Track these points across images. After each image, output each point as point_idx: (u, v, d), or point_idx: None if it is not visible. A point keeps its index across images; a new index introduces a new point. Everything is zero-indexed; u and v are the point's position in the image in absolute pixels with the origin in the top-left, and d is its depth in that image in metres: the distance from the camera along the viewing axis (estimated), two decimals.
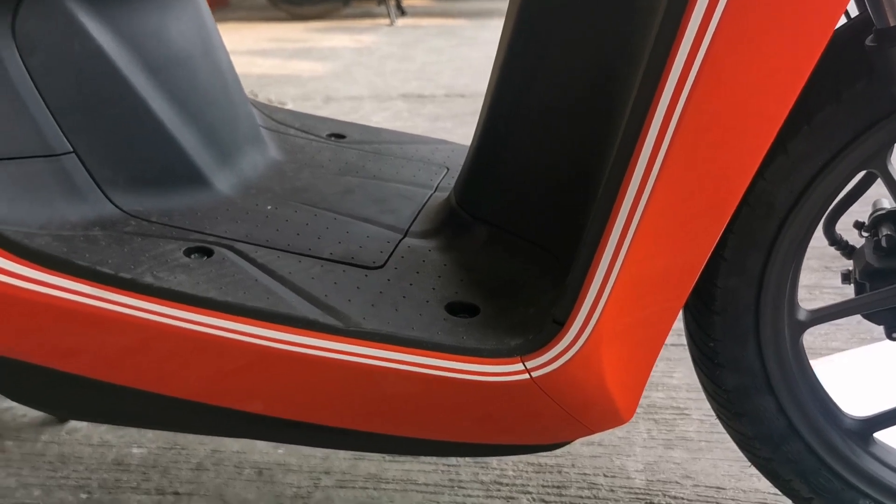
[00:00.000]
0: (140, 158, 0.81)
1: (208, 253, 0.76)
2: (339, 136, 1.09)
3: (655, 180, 0.59)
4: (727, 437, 1.16)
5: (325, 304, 0.71)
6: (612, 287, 0.62)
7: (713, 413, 1.21)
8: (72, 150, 0.77)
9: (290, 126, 1.09)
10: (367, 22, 4.74)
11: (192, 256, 0.76)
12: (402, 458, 1.16)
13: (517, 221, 0.78)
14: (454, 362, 0.67)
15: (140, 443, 1.22)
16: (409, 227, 0.85)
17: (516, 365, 0.67)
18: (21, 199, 0.74)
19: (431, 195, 0.93)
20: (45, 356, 0.74)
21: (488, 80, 0.84)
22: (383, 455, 1.17)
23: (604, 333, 0.64)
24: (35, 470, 1.17)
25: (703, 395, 1.26)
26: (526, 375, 0.67)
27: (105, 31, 0.79)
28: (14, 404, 1.32)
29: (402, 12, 4.88)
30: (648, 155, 0.58)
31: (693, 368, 1.31)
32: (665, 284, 0.64)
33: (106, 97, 0.79)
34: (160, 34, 0.85)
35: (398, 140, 1.10)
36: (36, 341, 0.73)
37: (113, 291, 0.70)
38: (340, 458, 1.17)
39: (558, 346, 0.65)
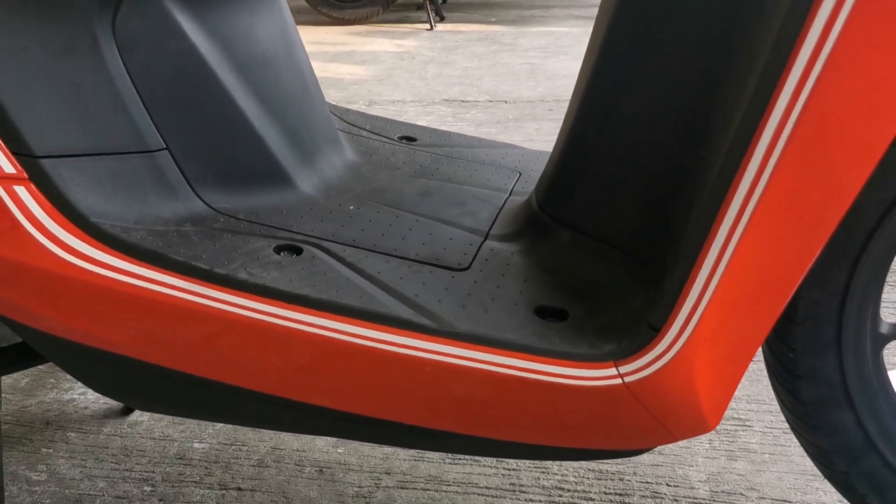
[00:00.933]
0: (228, 156, 0.83)
1: (297, 251, 0.77)
2: (410, 139, 1.10)
3: (764, 188, 0.59)
4: (791, 449, 1.15)
5: (417, 303, 0.71)
6: (712, 294, 0.62)
7: (775, 425, 1.21)
8: (165, 146, 0.79)
9: (362, 128, 1.10)
10: (406, 27, 4.76)
11: (282, 254, 0.77)
12: (463, 461, 1.16)
13: (603, 226, 0.79)
14: (547, 365, 0.67)
15: (201, 438, 1.23)
16: (490, 229, 0.86)
17: (609, 370, 0.67)
18: (117, 193, 0.76)
19: (507, 199, 0.94)
20: (135, 348, 0.75)
21: (575, 83, 0.84)
22: (443, 456, 1.17)
23: (699, 340, 0.64)
24: (99, 462, 1.19)
25: (763, 407, 1.25)
26: (619, 380, 0.67)
27: (199, 30, 0.81)
28: (76, 396, 1.34)
29: (441, 18, 4.90)
30: (759, 161, 0.58)
31: (753, 380, 1.31)
32: (764, 294, 0.63)
33: (198, 95, 0.81)
34: (249, 34, 0.86)
35: (468, 144, 1.11)
36: (128, 333, 0.75)
37: (207, 286, 0.71)
38: (400, 459, 1.17)
39: (653, 351, 0.65)
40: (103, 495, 1.11)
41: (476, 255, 0.81)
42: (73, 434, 1.25)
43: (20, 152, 0.72)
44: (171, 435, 1.24)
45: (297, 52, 0.94)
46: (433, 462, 1.16)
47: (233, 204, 0.82)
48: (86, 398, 1.34)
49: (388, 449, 1.20)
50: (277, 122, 0.87)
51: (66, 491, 1.12)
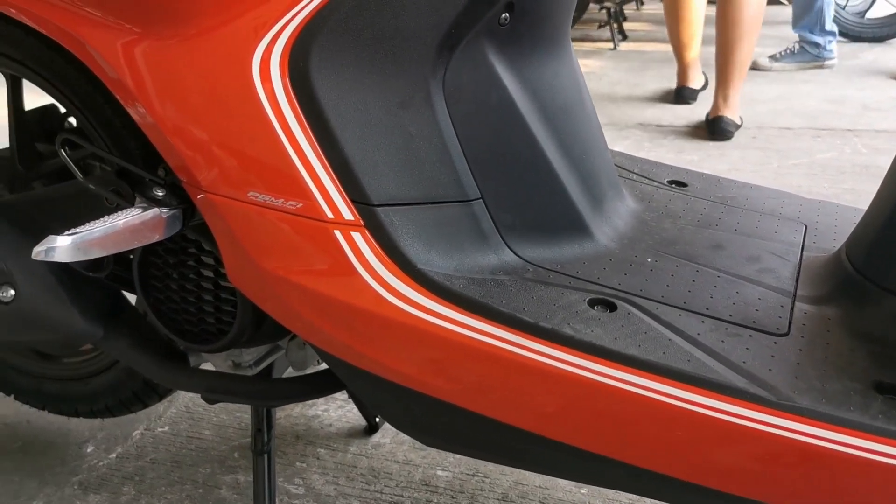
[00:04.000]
0: (535, 205, 0.84)
1: (611, 306, 0.77)
2: (681, 184, 1.08)
3: None
4: None
5: (748, 371, 0.69)
6: None
7: None
8: (480, 196, 0.81)
9: (631, 171, 1.10)
10: (589, 45, 4.73)
11: (596, 308, 0.77)
12: None
13: None
14: (892, 447, 0.64)
15: (443, 465, 1.26)
16: (796, 289, 0.83)
17: None
18: (438, 241, 0.78)
19: (801, 255, 0.90)
20: (447, 391, 0.78)
21: None
22: None
23: None
24: (350, 481, 1.24)
25: None
26: None
27: (515, 82, 0.82)
28: (319, 412, 1.40)
29: (623, 36, 4.84)
30: None
31: None
32: None
33: (511, 145, 0.82)
34: (553, 84, 0.87)
35: (741, 190, 1.08)
36: (444, 377, 0.77)
37: (532, 339, 0.72)
38: None
39: None
40: None
41: (791, 318, 0.78)
42: (322, 450, 1.31)
43: (358, 200, 0.76)
44: (413, 460, 1.28)
45: (586, 97, 0.95)
46: None
47: (538, 254, 0.83)
48: (329, 415, 1.40)
49: (633, 496, 1.18)
50: (575, 170, 0.87)
51: None
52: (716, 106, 2.87)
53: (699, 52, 3.24)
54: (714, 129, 2.83)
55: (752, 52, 2.81)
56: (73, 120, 1.26)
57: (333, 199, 0.76)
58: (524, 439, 0.76)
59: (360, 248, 0.76)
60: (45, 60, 1.03)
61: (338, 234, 0.76)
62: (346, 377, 0.85)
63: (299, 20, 0.74)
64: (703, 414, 0.68)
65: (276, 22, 0.74)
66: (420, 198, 0.78)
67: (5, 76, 1.13)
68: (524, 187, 0.83)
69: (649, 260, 0.85)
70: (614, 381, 0.70)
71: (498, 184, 0.82)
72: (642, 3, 6.24)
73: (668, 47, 4.61)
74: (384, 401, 0.84)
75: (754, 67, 3.69)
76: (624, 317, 0.76)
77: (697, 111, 3.20)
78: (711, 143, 2.79)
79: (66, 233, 0.77)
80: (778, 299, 0.81)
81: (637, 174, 1.09)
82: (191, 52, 0.78)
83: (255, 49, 0.75)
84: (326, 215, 0.76)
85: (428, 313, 0.75)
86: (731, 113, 2.83)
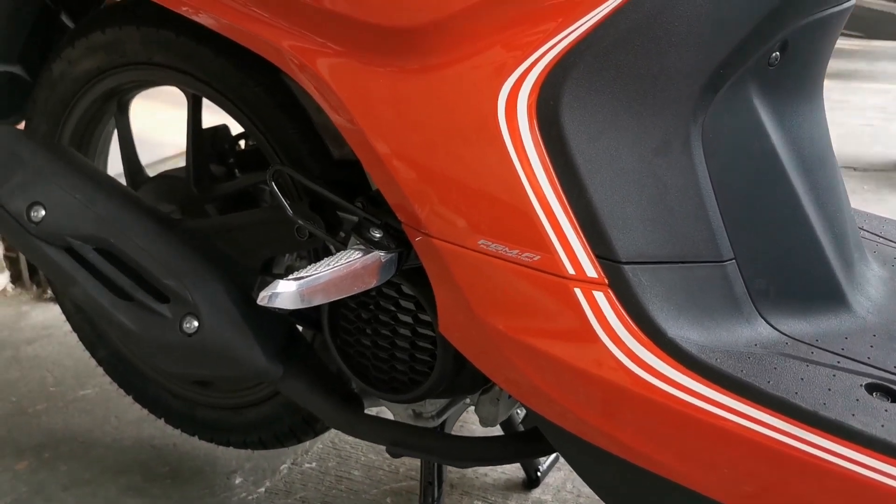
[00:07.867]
0: (790, 269, 0.74)
1: (892, 395, 0.66)
2: None
3: None
4: None
5: None
6: None
7: None
8: (733, 256, 0.72)
9: (861, 227, 0.98)
10: None
11: (875, 395, 0.66)
12: None
13: None
14: None
15: None
16: None
17: None
18: (688, 307, 0.69)
19: None
20: (688, 475, 0.68)
21: None
22: None
23: None
24: None
25: None
26: None
27: (777, 129, 0.73)
28: None
29: None
30: None
31: None
32: None
33: (770, 201, 0.73)
34: (812, 133, 0.77)
35: None
36: (687, 459, 0.68)
37: (811, 431, 0.62)
38: None
39: None
40: None
41: None
42: (478, 502, 1.23)
43: (604, 256, 0.68)
44: None
45: (832, 147, 0.84)
46: None
47: (792, 325, 0.73)
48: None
49: None
50: (830, 230, 0.77)
51: None
52: None
53: None
54: None
55: None
56: (242, 143, 1.23)
57: (576, 254, 0.68)
58: None
59: (603, 310, 0.68)
60: (232, 81, 1.00)
61: (578, 292, 0.68)
62: (559, 443, 0.77)
63: (553, 55, 0.66)
64: None
65: (528, 57, 0.67)
66: (670, 256, 0.70)
67: (187, 95, 1.10)
68: (780, 248, 0.74)
69: None
70: None
71: (752, 243, 0.72)
72: None
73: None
74: (591, 469, 0.76)
75: None
76: None
77: (846, 150, 3.01)
78: (865, 187, 2.61)
79: (290, 278, 0.72)
80: None
81: (869, 231, 0.98)
82: (423, 86, 0.71)
83: (501, 85, 0.67)
84: (567, 271, 0.68)
85: (680, 390, 0.66)
86: None
